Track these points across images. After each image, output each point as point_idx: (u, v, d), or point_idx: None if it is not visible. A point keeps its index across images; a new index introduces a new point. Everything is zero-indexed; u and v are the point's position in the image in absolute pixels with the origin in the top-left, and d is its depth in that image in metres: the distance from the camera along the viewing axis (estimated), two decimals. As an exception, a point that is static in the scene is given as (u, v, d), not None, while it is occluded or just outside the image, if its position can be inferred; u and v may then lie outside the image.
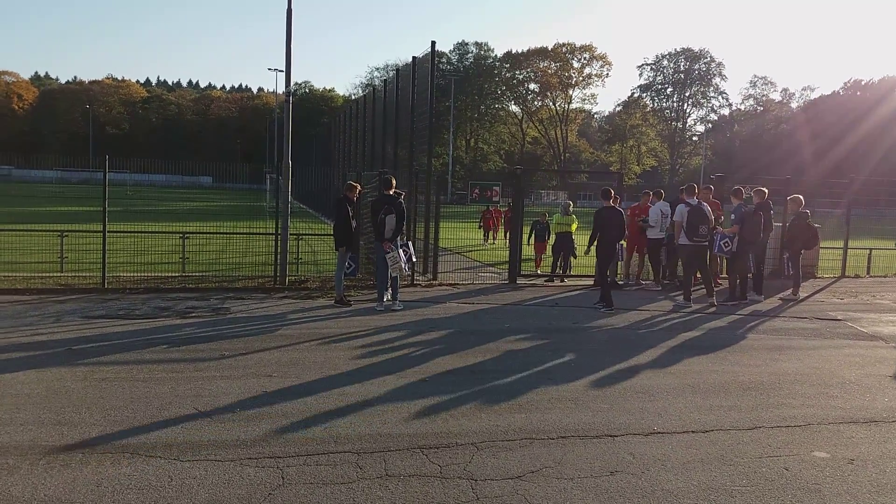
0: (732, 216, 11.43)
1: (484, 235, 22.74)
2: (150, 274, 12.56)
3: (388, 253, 9.87)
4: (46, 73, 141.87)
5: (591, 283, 13.20)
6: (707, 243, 11.00)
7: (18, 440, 4.77)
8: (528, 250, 15.23)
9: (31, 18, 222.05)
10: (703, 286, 11.59)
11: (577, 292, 12.43)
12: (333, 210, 11.06)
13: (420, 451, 4.81)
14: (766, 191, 12.35)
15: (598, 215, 10.71)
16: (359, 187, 11.00)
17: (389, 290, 10.16)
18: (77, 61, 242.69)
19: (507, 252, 14.27)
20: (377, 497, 4.11)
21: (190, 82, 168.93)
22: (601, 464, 4.68)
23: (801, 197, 12.32)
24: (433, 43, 13.32)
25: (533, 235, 15.47)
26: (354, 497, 4.10)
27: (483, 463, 4.64)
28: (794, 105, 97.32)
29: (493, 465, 4.61)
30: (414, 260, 11.36)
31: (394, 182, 10.36)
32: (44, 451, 4.60)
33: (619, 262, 12.83)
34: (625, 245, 13.56)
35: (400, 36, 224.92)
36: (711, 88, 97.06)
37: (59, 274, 12.32)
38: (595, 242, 10.68)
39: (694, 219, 10.70)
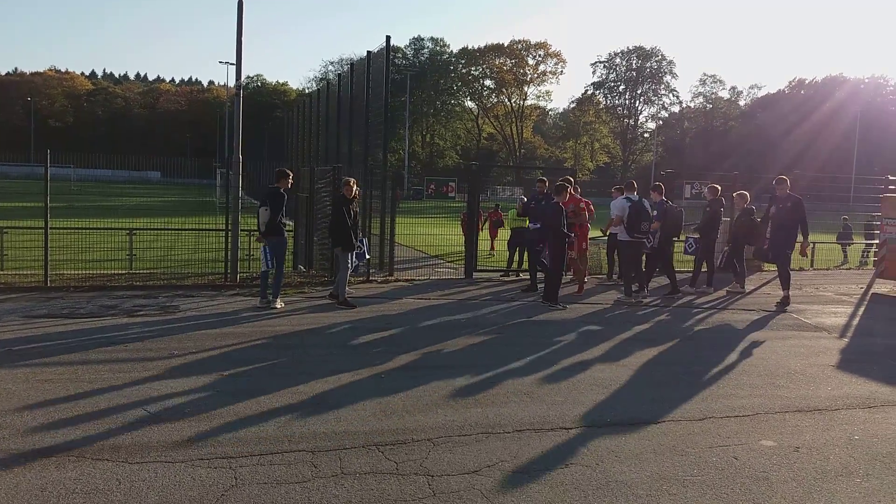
0: (655, 213, 11.42)
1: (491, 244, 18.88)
2: (95, 272, 12.15)
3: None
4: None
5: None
6: (646, 240, 11.17)
7: (-46, 446, 4.57)
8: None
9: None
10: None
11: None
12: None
13: (376, 448, 4.77)
14: (719, 188, 12.72)
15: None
16: (353, 183, 10.25)
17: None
18: (17, 52, 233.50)
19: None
20: (333, 496, 4.06)
21: (138, 75, 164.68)
22: (556, 456, 4.72)
23: (747, 193, 12.66)
24: (388, 37, 13.22)
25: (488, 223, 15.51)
26: (310, 496, 4.04)
27: (439, 458, 4.63)
28: (741, 103, 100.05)
29: (449, 460, 4.61)
30: (368, 257, 11.26)
31: (287, 175, 9.98)
32: (-18, 457, 4.41)
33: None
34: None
35: (355, 32, 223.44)
36: (662, 86, 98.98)
37: (-2, 272, 11.84)
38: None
39: (636, 215, 10.95)
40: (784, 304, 11.03)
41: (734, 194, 13.05)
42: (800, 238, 11.31)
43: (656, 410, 5.74)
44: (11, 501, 3.85)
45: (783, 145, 68.97)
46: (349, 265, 10.25)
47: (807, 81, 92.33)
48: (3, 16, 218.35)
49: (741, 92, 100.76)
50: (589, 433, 5.18)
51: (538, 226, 11.19)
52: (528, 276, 12.31)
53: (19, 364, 6.51)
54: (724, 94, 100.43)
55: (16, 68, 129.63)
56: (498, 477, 4.37)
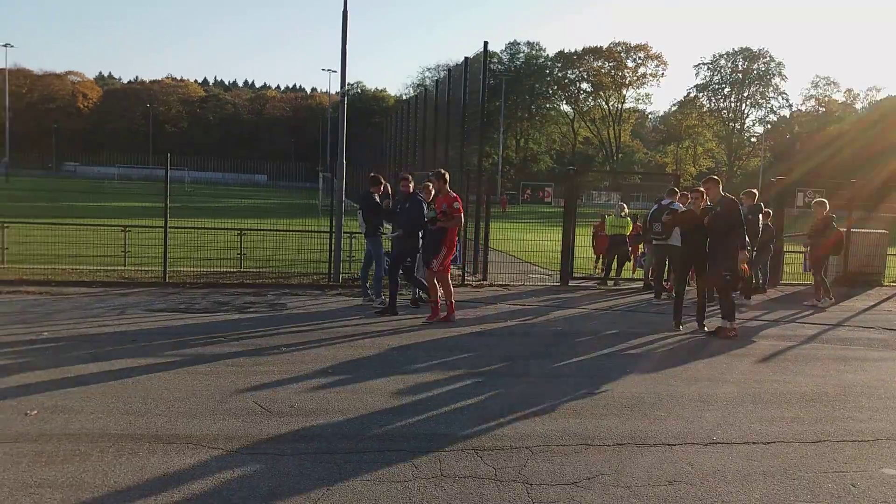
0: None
1: (596, 259, 15.46)
2: (208, 269, 12.90)
3: None
4: (110, 73, 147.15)
5: (642, 286, 13.07)
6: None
7: (89, 428, 4.97)
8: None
9: (96, 20, 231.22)
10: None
11: (631, 296, 12.26)
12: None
13: (474, 452, 4.82)
14: (756, 193, 12.02)
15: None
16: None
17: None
18: (138, 62, 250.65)
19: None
20: (433, 496, 4.13)
21: (246, 82, 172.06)
22: (659, 473, 4.61)
23: (826, 201, 11.90)
24: (485, 43, 13.31)
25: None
26: (410, 495, 4.13)
27: (538, 467, 4.61)
28: (858, 106, 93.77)
29: (547, 469, 4.59)
30: (460, 262, 11.40)
31: (379, 182, 10.50)
32: (113, 440, 4.77)
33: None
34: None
35: (451, 36, 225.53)
36: (771, 89, 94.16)
37: (122, 268, 12.76)
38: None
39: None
40: (706, 331, 9.07)
41: (813, 202, 12.32)
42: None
43: (765, 430, 5.49)
44: (137, 483, 4.16)
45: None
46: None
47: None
48: (128, 27, 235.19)
49: (858, 94, 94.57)
50: (693, 451, 5.02)
51: (398, 234, 9.57)
52: (609, 281, 12.03)
53: (141, 355, 6.99)
54: (839, 97, 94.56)
55: (137, 77, 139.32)
56: (598, 490, 4.32)
